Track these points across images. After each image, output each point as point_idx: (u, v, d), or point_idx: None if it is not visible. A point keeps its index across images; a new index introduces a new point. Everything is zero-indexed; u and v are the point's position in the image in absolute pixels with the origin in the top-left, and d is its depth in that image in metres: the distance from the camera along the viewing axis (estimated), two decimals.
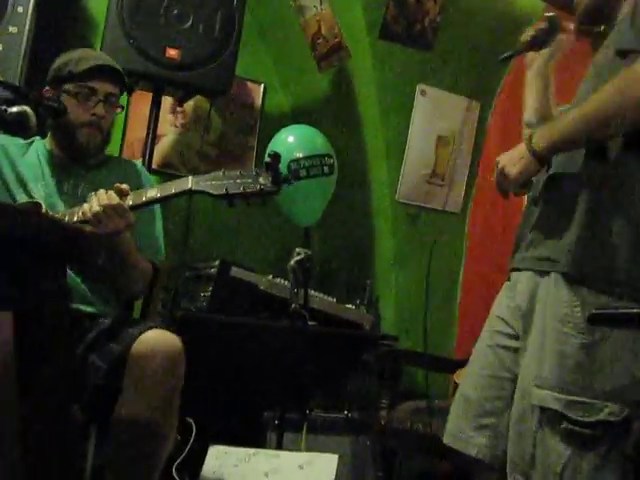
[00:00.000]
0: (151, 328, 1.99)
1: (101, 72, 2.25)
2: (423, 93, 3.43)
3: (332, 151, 2.82)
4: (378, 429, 2.84)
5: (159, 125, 3.15)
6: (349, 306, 3.28)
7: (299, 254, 2.83)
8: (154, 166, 3.27)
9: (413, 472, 2.92)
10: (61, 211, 2.18)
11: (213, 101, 3.43)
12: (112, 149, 3.19)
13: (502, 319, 1.92)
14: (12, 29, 3.06)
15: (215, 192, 1.98)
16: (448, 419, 1.98)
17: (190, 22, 2.89)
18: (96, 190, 2.22)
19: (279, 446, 2.83)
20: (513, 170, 1.80)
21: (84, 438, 2.03)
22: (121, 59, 2.74)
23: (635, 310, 1.49)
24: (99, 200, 2.00)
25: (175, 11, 2.87)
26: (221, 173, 2.02)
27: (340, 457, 2.23)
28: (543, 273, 1.80)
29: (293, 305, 2.85)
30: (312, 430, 2.95)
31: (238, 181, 1.99)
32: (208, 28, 2.91)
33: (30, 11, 3.07)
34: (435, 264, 3.53)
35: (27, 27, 3.03)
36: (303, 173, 2.69)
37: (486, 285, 3.53)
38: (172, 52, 2.85)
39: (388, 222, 3.47)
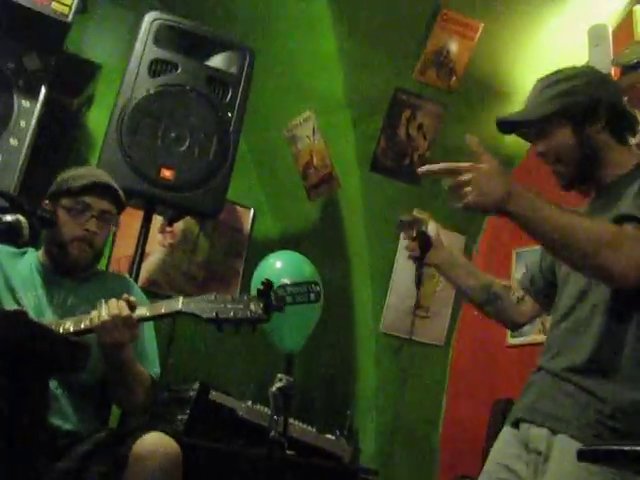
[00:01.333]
0: (152, 430, 2.00)
1: (97, 189, 2.30)
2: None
3: (319, 279, 2.84)
4: None
5: (148, 243, 3.17)
6: (328, 436, 3.20)
7: (281, 380, 2.79)
8: (139, 284, 3.26)
9: None
10: (53, 320, 2.16)
11: (202, 223, 3.47)
12: (99, 264, 3.21)
13: (507, 467, 1.87)
14: (13, 142, 3.14)
15: (205, 315, 1.98)
16: None
17: (186, 145, 2.97)
18: (85, 303, 2.23)
19: None
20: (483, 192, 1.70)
21: None
22: (116, 176, 2.80)
23: (624, 447, 1.45)
24: (109, 309, 2.01)
25: (172, 134, 2.96)
26: (212, 297, 2.03)
27: None
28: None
29: (272, 433, 2.78)
30: None
31: (229, 306, 1.99)
32: (203, 151, 2.98)
33: (32, 126, 3.16)
34: (416, 398, 3.49)
35: (27, 141, 3.11)
36: (289, 299, 2.69)
37: (469, 421, 3.47)
38: (167, 172, 2.91)
39: (371, 353, 3.43)
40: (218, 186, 3.00)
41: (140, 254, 3.08)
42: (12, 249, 2.32)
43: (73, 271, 2.30)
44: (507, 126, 2.09)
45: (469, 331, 3.57)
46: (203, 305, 2.00)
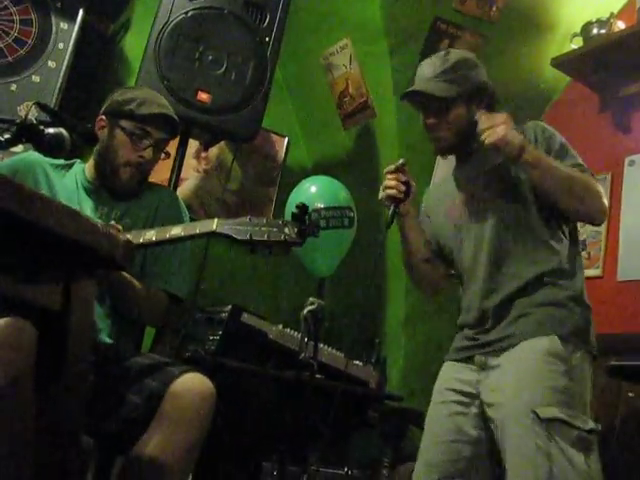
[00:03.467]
0: (190, 371, 2.00)
1: (161, 119, 2.31)
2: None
3: (353, 204, 2.84)
4: None
5: (183, 168, 3.20)
6: (357, 362, 3.25)
7: (312, 304, 2.84)
8: None
9: None
10: None
11: (237, 150, 3.48)
12: None
13: (453, 390, 2.18)
14: (51, 64, 3.17)
15: (239, 237, 1.98)
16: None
17: (223, 68, 2.95)
18: (128, 219, 2.27)
19: None
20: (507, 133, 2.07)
21: (84, 468, 2.00)
22: None
23: None
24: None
25: (210, 57, 2.94)
26: (247, 219, 2.02)
27: None
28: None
29: (302, 355, 2.85)
30: None
31: (263, 229, 1.99)
32: (240, 76, 2.97)
33: (70, 48, 3.18)
34: (446, 329, 3.52)
35: (65, 63, 3.14)
36: (323, 224, 2.71)
37: None
38: (203, 96, 2.91)
39: (402, 281, 3.46)
40: (254, 111, 2.99)
41: (176, 178, 3.12)
42: (58, 161, 2.33)
43: (120, 192, 2.32)
44: (411, 97, 2.37)
45: None
46: (237, 227, 2.01)
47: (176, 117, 2.34)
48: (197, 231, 2.05)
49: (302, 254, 2.81)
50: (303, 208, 2.00)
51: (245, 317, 3.03)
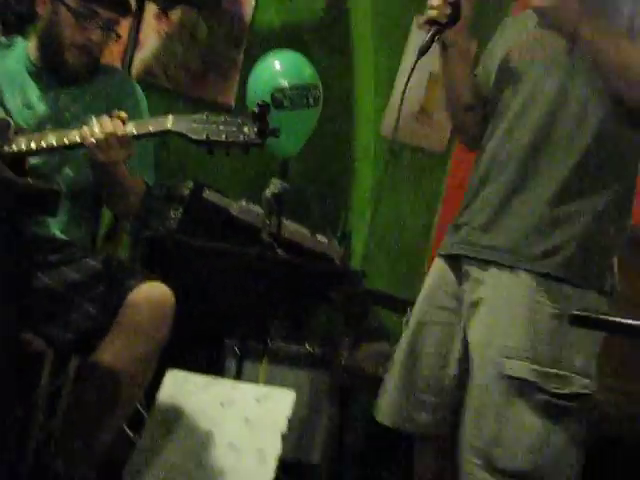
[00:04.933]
0: (147, 279, 1.96)
1: None
2: (420, 26, 3.27)
3: (319, 82, 2.70)
4: (338, 367, 2.83)
5: (142, 30, 3.00)
6: (321, 238, 3.23)
7: (275, 185, 2.76)
8: (134, 75, 3.12)
9: (366, 413, 2.94)
10: (40, 129, 2.05)
11: (201, 10, 3.27)
12: None
13: (445, 291, 1.87)
14: None
15: (195, 137, 1.88)
16: (381, 394, 1.93)
17: None
18: (79, 106, 2.13)
19: (238, 375, 2.83)
20: None
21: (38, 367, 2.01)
22: None
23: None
24: (102, 127, 1.88)
25: None
26: (204, 116, 1.91)
27: (298, 390, 2.21)
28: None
29: (263, 235, 2.81)
30: (273, 361, 2.95)
31: (221, 127, 1.89)
32: None
33: None
34: (413, 205, 3.49)
35: None
36: (287, 104, 2.58)
37: None
38: None
39: (370, 156, 3.38)
40: None
41: (133, 44, 2.93)
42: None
43: (66, 75, 2.15)
44: None
45: None
46: (194, 125, 1.90)
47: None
48: (150, 129, 1.93)
49: None
50: (264, 107, 1.88)
51: (207, 193, 2.96)
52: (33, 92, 2.14)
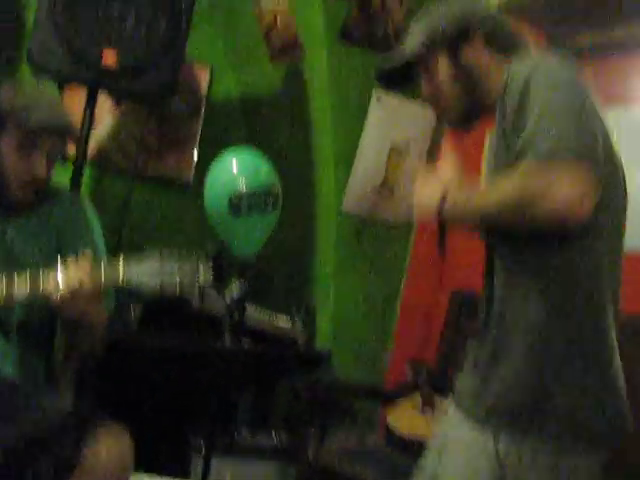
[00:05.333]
0: (104, 429, 1.86)
1: (54, 129, 2.02)
2: (379, 99, 3.25)
3: (278, 184, 2.64)
4: (304, 463, 2.80)
5: (96, 110, 2.89)
6: (284, 321, 3.18)
7: (236, 288, 2.71)
8: (89, 157, 3.02)
9: None
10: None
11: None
12: None
13: None
14: None
15: (150, 286, 1.81)
16: None
17: (131, 21, 2.61)
18: (26, 238, 2.05)
19: (205, 473, 2.78)
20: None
21: None
22: (52, 61, 2.53)
23: None
24: (67, 279, 1.81)
25: (115, 9, 2.59)
26: (157, 256, 1.85)
27: None
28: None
29: (227, 342, 2.76)
30: (239, 455, 2.90)
31: (174, 271, 1.83)
32: (151, 30, 2.63)
33: None
34: (376, 278, 3.46)
35: None
36: (244, 210, 2.52)
37: (425, 306, 3.47)
38: (109, 56, 2.58)
39: (332, 232, 3.33)
40: (167, 69, 2.68)
41: (88, 128, 2.80)
42: None
43: (12, 206, 2.07)
44: (387, 80, 1.89)
45: None
46: (147, 270, 1.84)
47: (72, 126, 2.08)
48: (102, 281, 1.86)
49: (223, 236, 2.63)
50: (219, 258, 1.83)
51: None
52: None
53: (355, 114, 3.25)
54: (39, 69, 2.60)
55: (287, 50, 3.26)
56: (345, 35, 3.11)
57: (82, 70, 2.56)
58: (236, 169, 2.57)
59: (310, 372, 3.18)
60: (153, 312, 2.88)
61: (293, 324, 3.17)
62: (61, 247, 2.11)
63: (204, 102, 3.48)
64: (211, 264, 1.86)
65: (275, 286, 3.35)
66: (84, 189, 2.87)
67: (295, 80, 3.31)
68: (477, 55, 1.73)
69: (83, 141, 2.79)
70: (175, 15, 2.67)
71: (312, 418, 2.93)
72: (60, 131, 2.04)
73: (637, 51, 2.91)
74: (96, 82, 2.62)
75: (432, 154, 3.38)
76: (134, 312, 2.89)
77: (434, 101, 1.79)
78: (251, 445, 2.93)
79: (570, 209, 1.43)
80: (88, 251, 1.89)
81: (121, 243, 3.16)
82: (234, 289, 2.65)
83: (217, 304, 2.92)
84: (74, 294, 1.80)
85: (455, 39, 1.73)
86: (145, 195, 3.33)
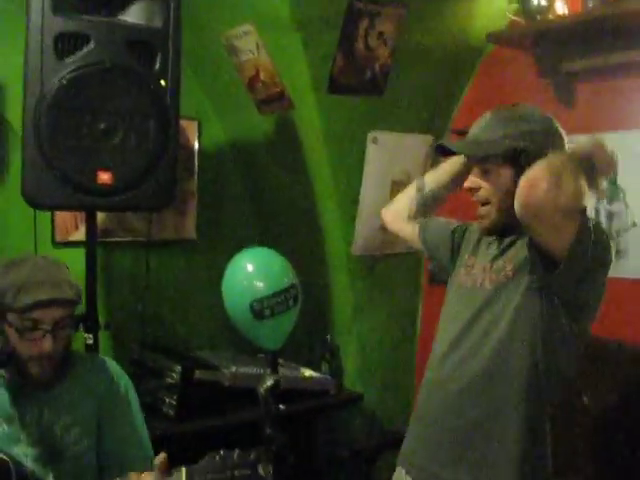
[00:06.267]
0: None
1: (46, 303, 1.98)
2: (375, 140, 3.18)
3: (296, 280, 2.62)
4: None
5: None
6: (312, 373, 3.24)
7: (269, 381, 2.74)
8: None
9: None
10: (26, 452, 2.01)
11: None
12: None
13: None
14: None
15: None
16: None
17: (120, 136, 2.50)
18: (64, 413, 2.06)
19: None
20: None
21: None
22: (46, 194, 2.47)
23: None
24: None
25: (101, 126, 2.49)
26: (217, 459, 1.83)
27: None
28: None
29: (266, 430, 2.81)
30: None
31: (236, 473, 1.84)
32: (141, 138, 2.53)
33: None
34: (394, 310, 3.49)
35: None
36: (267, 313, 2.51)
37: None
38: (104, 176, 2.50)
39: (345, 275, 3.33)
40: (164, 174, 2.60)
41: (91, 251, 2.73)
42: None
43: (40, 386, 2.08)
44: (448, 151, 2.07)
45: None
46: (210, 476, 1.85)
47: (65, 294, 2.00)
48: None
49: (248, 336, 2.64)
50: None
51: (197, 374, 2.93)
52: (11, 410, 2.04)
53: (352, 158, 3.19)
54: (37, 206, 2.53)
55: (274, 101, 3.16)
56: (333, 87, 3.00)
57: (79, 197, 2.48)
58: (253, 273, 2.55)
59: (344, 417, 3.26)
60: (188, 400, 2.92)
61: (323, 377, 3.23)
62: (101, 417, 2.14)
63: (196, 156, 3.41)
64: (270, 466, 1.89)
65: (299, 339, 3.37)
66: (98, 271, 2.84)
67: (286, 129, 3.22)
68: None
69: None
70: (162, 115, 2.58)
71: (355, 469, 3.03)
72: (57, 304, 2.00)
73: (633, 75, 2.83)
74: (94, 205, 2.56)
75: None
76: (169, 401, 2.93)
77: (480, 195, 1.95)
78: None
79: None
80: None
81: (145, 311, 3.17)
82: (267, 380, 2.67)
83: (249, 378, 2.97)
84: None
85: (527, 163, 1.80)
86: (155, 260, 3.30)
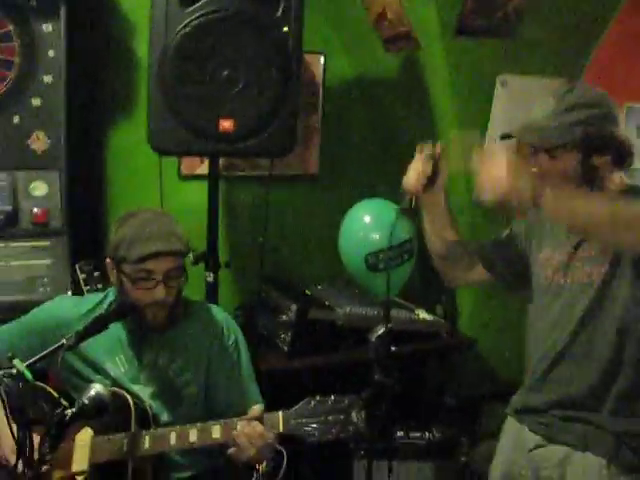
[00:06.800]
0: None
1: (158, 254, 2.09)
2: (504, 84, 3.05)
3: (411, 233, 2.59)
4: (460, 464, 2.98)
5: None
6: (425, 314, 3.25)
7: (379, 330, 2.78)
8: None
9: None
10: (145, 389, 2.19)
11: None
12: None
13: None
14: (47, 79, 2.77)
15: (309, 440, 1.94)
16: None
17: (242, 84, 2.51)
18: (177, 357, 2.20)
19: (368, 476, 3.02)
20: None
21: None
22: (171, 141, 2.54)
23: None
24: (246, 434, 1.96)
25: (224, 73, 2.50)
26: (311, 405, 1.95)
27: None
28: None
29: (376, 376, 2.86)
30: (397, 457, 3.11)
31: (330, 418, 1.94)
32: (263, 86, 2.53)
33: (64, 54, 2.72)
34: None
35: (64, 74, 2.71)
36: (382, 266, 2.53)
37: None
38: (226, 124, 2.54)
39: (466, 218, 3.27)
40: (286, 121, 2.60)
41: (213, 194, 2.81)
42: (92, 300, 2.27)
43: (154, 331, 2.21)
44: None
45: None
46: (304, 420, 1.96)
47: (176, 246, 2.10)
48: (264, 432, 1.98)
49: (362, 284, 2.67)
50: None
51: (311, 313, 3.01)
52: (130, 351, 2.21)
53: (479, 101, 3.08)
54: (162, 151, 2.61)
55: (400, 40, 3.05)
56: (461, 31, 2.87)
57: (202, 143, 2.55)
58: (370, 225, 2.55)
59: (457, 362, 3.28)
60: (302, 336, 3.01)
61: (435, 320, 3.24)
62: (209, 365, 2.27)
63: (321, 91, 3.38)
64: (362, 407, 1.96)
65: (415, 280, 3.37)
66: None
67: (412, 69, 3.13)
68: (603, 165, 1.96)
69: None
70: (284, 63, 2.56)
71: (461, 432, 3.06)
72: (167, 255, 2.09)
73: None
74: (216, 151, 2.62)
75: None
76: (284, 337, 3.04)
77: (548, 179, 1.93)
78: (407, 447, 3.12)
79: None
80: (258, 407, 2.03)
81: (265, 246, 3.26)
82: (378, 329, 2.71)
83: (362, 319, 3.03)
84: (245, 449, 1.97)
85: (594, 147, 1.94)
86: (276, 195, 3.35)
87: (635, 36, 3.05)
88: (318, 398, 1.99)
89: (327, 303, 3.10)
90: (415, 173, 2.17)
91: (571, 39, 3.08)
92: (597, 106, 1.96)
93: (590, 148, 1.93)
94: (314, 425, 1.96)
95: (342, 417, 1.97)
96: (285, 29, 2.54)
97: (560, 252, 2.05)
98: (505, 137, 2.17)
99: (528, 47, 3.00)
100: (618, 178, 2.01)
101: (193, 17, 2.45)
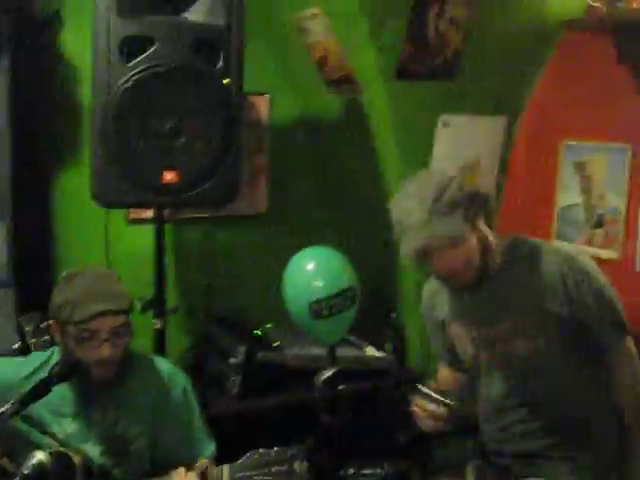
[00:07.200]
0: None
1: (103, 313, 2.11)
2: (445, 124, 3.12)
3: (356, 281, 2.63)
4: None
5: None
6: (373, 351, 3.29)
7: (326, 373, 2.81)
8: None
9: None
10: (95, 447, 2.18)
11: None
12: None
13: None
14: None
15: None
16: None
17: (186, 136, 2.53)
18: (126, 412, 2.21)
19: None
20: None
21: None
22: (114, 193, 2.55)
23: None
24: None
25: (167, 126, 2.52)
26: (255, 456, 1.98)
27: None
28: None
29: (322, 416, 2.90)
30: None
31: (274, 470, 1.97)
32: (207, 138, 2.56)
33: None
34: None
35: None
36: (325, 312, 2.55)
37: None
38: (169, 176, 2.55)
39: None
40: (229, 171, 2.64)
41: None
42: (30, 367, 2.24)
43: (102, 388, 2.21)
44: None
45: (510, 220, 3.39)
46: (249, 473, 1.99)
47: (121, 305, 2.13)
48: None
49: (306, 330, 2.70)
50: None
51: (260, 357, 3.03)
52: (78, 411, 2.20)
53: (422, 141, 3.14)
54: (105, 204, 2.62)
55: (342, 84, 3.11)
56: (402, 73, 2.94)
57: (146, 194, 2.56)
58: (313, 273, 2.58)
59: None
60: (251, 379, 3.03)
61: (384, 357, 3.28)
62: (155, 416, 2.27)
63: (266, 132, 3.41)
64: (306, 462, 1.99)
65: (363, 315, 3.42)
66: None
67: (355, 112, 3.18)
68: (482, 226, 2.11)
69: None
70: (228, 112, 2.59)
71: (412, 468, 3.10)
72: (112, 314, 2.11)
73: None
74: (161, 203, 2.63)
75: (503, 168, 3.28)
76: (234, 379, 3.06)
77: (456, 270, 2.09)
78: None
79: None
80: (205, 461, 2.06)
81: (213, 286, 3.28)
82: (324, 375, 2.73)
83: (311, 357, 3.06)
84: None
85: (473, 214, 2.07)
86: (224, 236, 3.38)
87: (571, 75, 3.13)
88: (261, 450, 2.03)
89: (276, 344, 3.13)
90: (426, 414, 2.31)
91: (511, 78, 3.16)
92: (449, 183, 2.06)
93: (471, 217, 2.06)
94: (258, 477, 1.99)
95: (284, 468, 2.00)
96: (226, 81, 2.58)
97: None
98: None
99: (469, 87, 3.07)
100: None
101: (135, 71, 2.46)
